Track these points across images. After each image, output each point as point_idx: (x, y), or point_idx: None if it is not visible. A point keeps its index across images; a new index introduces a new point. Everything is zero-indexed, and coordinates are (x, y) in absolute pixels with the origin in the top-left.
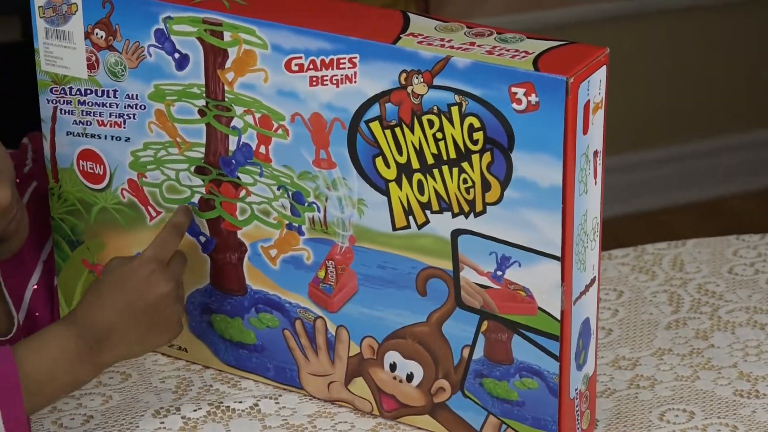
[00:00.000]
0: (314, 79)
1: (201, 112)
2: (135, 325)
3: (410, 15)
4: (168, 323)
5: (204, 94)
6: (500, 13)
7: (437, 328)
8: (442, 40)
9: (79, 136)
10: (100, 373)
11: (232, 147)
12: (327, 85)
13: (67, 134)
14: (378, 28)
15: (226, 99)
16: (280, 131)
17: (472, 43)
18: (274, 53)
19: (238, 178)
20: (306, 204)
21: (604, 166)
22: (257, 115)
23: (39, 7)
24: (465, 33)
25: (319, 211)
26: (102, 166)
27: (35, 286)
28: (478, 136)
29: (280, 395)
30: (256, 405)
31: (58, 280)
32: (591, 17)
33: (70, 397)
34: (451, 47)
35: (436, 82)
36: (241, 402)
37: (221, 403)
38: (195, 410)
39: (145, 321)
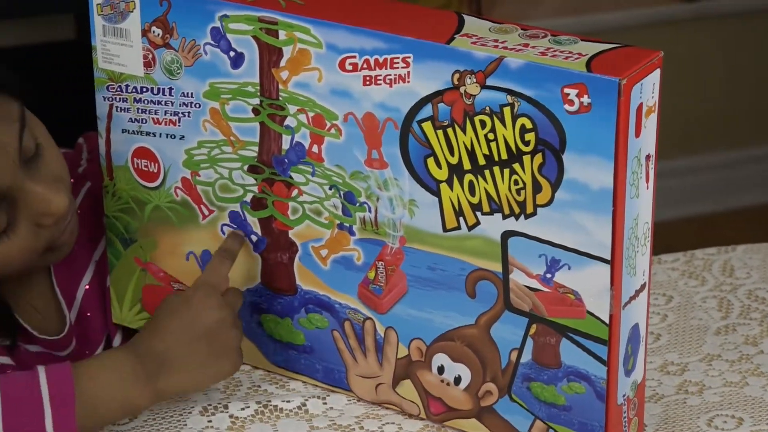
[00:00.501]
0: (368, 78)
1: (255, 111)
2: (193, 351)
3: (465, 16)
4: (227, 349)
5: (258, 93)
6: (553, 16)
7: (486, 330)
8: (495, 41)
9: (134, 133)
10: (158, 402)
11: (285, 146)
12: (380, 84)
13: (122, 132)
14: (432, 29)
15: (280, 98)
16: (333, 131)
17: (526, 45)
18: (328, 52)
19: (291, 177)
20: (357, 204)
21: (656, 170)
22: (310, 115)
23: (97, 4)
24: (519, 34)
25: (370, 211)
26: (156, 164)
27: (87, 286)
28: (530, 137)
29: (328, 396)
30: (304, 405)
31: (111, 278)
32: (645, 20)
33: None
34: (505, 48)
35: (489, 82)
36: (289, 401)
37: (269, 402)
38: (242, 409)
39: (203, 346)
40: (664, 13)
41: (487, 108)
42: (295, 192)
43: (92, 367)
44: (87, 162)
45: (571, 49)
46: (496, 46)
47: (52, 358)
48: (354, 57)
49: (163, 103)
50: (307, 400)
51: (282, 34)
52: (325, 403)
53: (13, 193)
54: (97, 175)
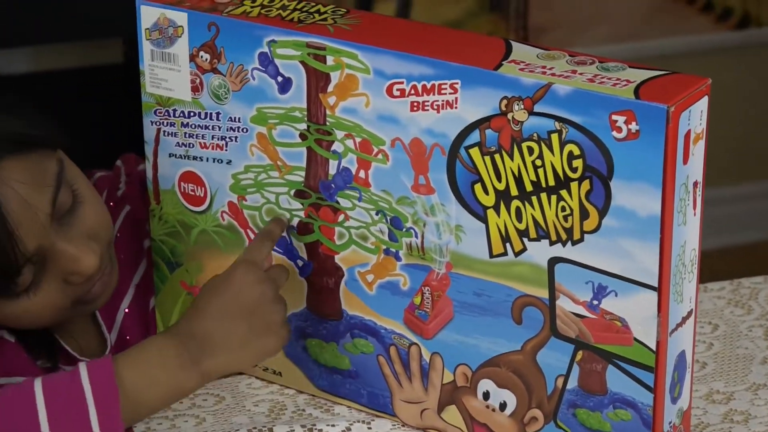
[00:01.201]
0: (415, 104)
1: (302, 136)
2: (234, 329)
3: (512, 42)
4: (270, 325)
5: (305, 118)
6: (600, 44)
7: (532, 356)
8: (543, 67)
9: (181, 158)
10: (206, 383)
11: (332, 171)
12: (428, 110)
13: (170, 156)
14: (480, 55)
15: (328, 123)
16: (380, 156)
17: (574, 71)
18: (376, 78)
19: (337, 202)
20: (404, 229)
21: (704, 197)
22: (358, 140)
23: (146, 29)
24: (567, 61)
25: (416, 236)
26: (203, 189)
27: (127, 310)
28: (578, 163)
29: (373, 420)
30: (349, 429)
31: (156, 301)
32: (691, 48)
33: (163, 418)
34: (553, 74)
35: (537, 109)
36: (333, 426)
37: (314, 426)
38: None
39: (244, 324)
40: (711, 41)
41: (535, 134)
42: (341, 217)
43: (133, 357)
44: (125, 185)
45: (619, 76)
46: (544, 73)
47: None
48: (401, 83)
49: (210, 127)
50: (351, 424)
51: (330, 60)
52: (369, 428)
53: (42, 252)
54: (136, 198)
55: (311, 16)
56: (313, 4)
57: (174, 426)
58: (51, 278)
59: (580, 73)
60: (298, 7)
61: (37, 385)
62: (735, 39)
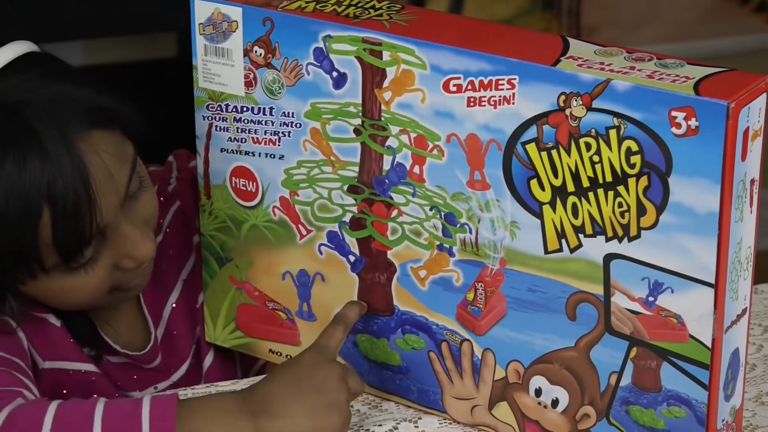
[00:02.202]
0: (472, 99)
1: (356, 131)
2: (300, 397)
3: (569, 39)
4: (335, 404)
5: (360, 113)
6: (652, 43)
7: (585, 353)
8: (602, 63)
9: (233, 153)
10: None
11: (386, 167)
12: (484, 106)
13: (221, 151)
14: (537, 51)
15: (383, 118)
16: (435, 151)
17: (632, 68)
18: (432, 73)
19: (391, 198)
20: (458, 225)
21: (761, 195)
22: (413, 135)
23: (199, 24)
24: (624, 57)
25: (470, 232)
26: (255, 184)
27: (174, 305)
28: (636, 159)
29: (420, 418)
30: (396, 428)
31: (205, 296)
32: (745, 48)
33: None
34: (611, 71)
35: (595, 104)
36: (380, 425)
37: (361, 427)
38: None
39: (310, 396)
40: (765, 41)
41: (593, 130)
42: (394, 213)
43: (196, 401)
44: (176, 181)
45: (678, 73)
46: (603, 69)
47: (137, 370)
48: (458, 78)
49: (263, 122)
50: (398, 423)
51: (386, 55)
52: (416, 426)
53: (109, 229)
54: (186, 194)
55: (366, 12)
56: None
57: None
58: (107, 258)
59: (639, 70)
60: (353, 2)
61: (99, 406)
62: None
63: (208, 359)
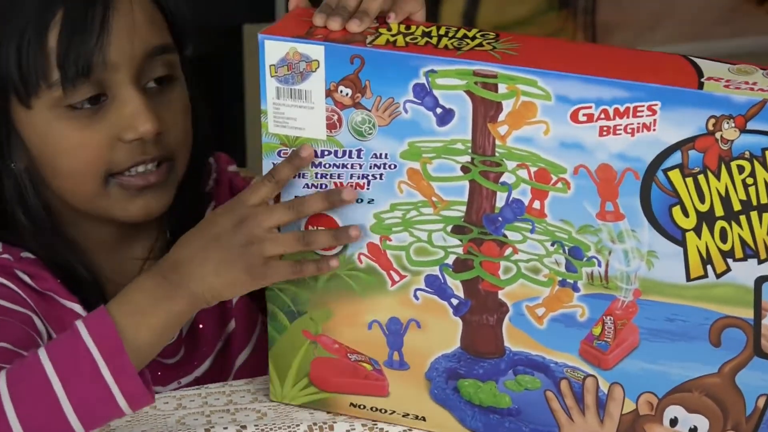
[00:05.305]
0: (605, 128)
1: (464, 169)
2: (204, 256)
3: (694, 58)
4: (238, 254)
5: (470, 150)
6: (668, 43)
7: (730, 378)
8: (746, 83)
9: None
10: (199, 305)
11: (500, 203)
12: (620, 134)
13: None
14: (672, 74)
15: (497, 154)
16: (559, 184)
17: None
18: (558, 104)
19: (505, 236)
20: (584, 259)
21: None
22: (533, 170)
23: (270, 65)
24: (763, 75)
25: (599, 265)
26: None
27: None
28: None
29: None
30: None
31: (271, 353)
32: (761, 49)
33: None
34: (761, 90)
35: (750, 126)
36: None
37: None
38: None
39: (213, 252)
40: None
41: (747, 152)
42: (508, 251)
43: (121, 302)
44: (215, 183)
45: None
46: (752, 89)
47: (158, 365)
48: (589, 107)
49: (349, 166)
50: None
51: (502, 88)
52: None
53: (114, 88)
54: (222, 196)
55: (465, 42)
56: (454, 28)
57: None
58: (109, 121)
59: None
60: (443, 33)
61: (42, 354)
62: None
63: (241, 357)
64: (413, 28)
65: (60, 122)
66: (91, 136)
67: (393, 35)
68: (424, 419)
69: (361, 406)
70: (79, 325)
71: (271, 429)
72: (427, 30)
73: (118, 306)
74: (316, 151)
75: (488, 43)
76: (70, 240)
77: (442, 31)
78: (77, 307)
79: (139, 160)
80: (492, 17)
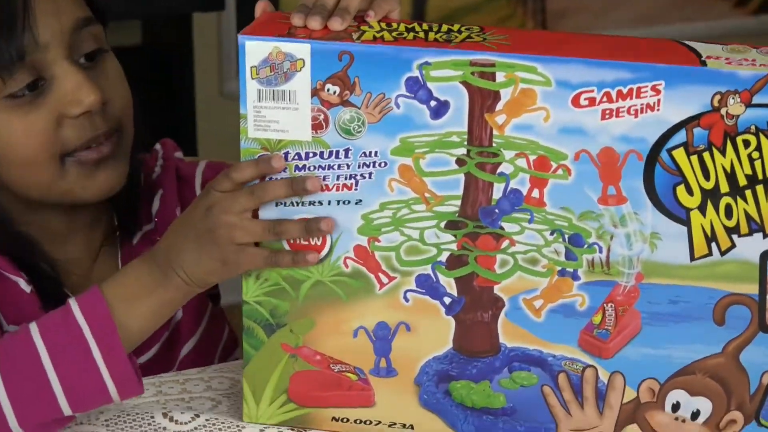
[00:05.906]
0: (607, 111)
1: (460, 162)
2: (186, 244)
3: (686, 42)
4: (214, 240)
5: (465, 142)
6: (617, 28)
7: (734, 357)
8: (746, 60)
9: (293, 206)
10: (191, 291)
11: (497, 195)
12: (623, 116)
13: (276, 205)
14: (671, 55)
15: (494, 144)
16: (560, 171)
17: None
18: (558, 89)
19: (501, 228)
20: (585, 246)
21: None
22: (532, 158)
23: (252, 67)
24: (757, 52)
25: (601, 251)
26: (321, 237)
27: None
28: None
29: None
30: None
31: (245, 372)
32: (711, 33)
33: None
34: (762, 65)
35: (756, 100)
36: None
37: None
38: None
39: (191, 242)
40: (730, 26)
41: (753, 127)
42: (505, 243)
43: (116, 286)
44: (161, 169)
45: None
46: (753, 65)
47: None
48: (591, 91)
49: (335, 167)
50: None
51: (500, 76)
52: None
53: (50, 68)
54: (170, 183)
55: (455, 36)
56: (435, 24)
57: None
58: (50, 104)
59: None
60: (425, 29)
61: (33, 328)
62: (753, 24)
63: (187, 347)
64: (395, 24)
65: (3, 114)
66: (37, 120)
67: (378, 32)
68: (411, 427)
69: (344, 420)
70: (72, 303)
71: None
72: (409, 26)
73: (111, 288)
74: (299, 154)
75: (477, 36)
76: (23, 234)
77: (425, 27)
78: (21, 282)
79: (90, 136)
80: (441, 2)
